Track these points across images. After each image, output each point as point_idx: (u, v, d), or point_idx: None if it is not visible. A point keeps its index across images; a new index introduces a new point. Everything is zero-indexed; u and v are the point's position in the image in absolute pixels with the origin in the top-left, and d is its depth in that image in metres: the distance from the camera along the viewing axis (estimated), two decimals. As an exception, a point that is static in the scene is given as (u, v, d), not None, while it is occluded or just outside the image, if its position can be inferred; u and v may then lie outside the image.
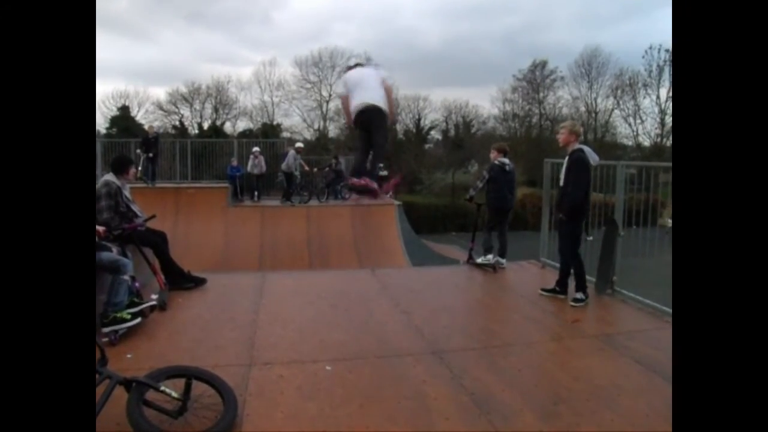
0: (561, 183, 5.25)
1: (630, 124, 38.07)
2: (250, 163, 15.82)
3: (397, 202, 16.29)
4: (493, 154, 6.99)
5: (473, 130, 41.33)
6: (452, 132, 41.69)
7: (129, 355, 3.61)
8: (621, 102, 37.49)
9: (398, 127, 40.21)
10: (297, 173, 15.18)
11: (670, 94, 34.98)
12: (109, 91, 34.20)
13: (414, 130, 40.82)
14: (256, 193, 15.80)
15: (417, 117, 40.79)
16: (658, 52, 34.56)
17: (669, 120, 35.73)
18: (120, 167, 5.04)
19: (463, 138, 39.56)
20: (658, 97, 36.08)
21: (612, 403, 3.10)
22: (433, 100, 40.84)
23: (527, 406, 3.04)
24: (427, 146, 41.43)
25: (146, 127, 16.70)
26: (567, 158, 5.20)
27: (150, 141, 14.69)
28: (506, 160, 6.90)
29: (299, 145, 16.60)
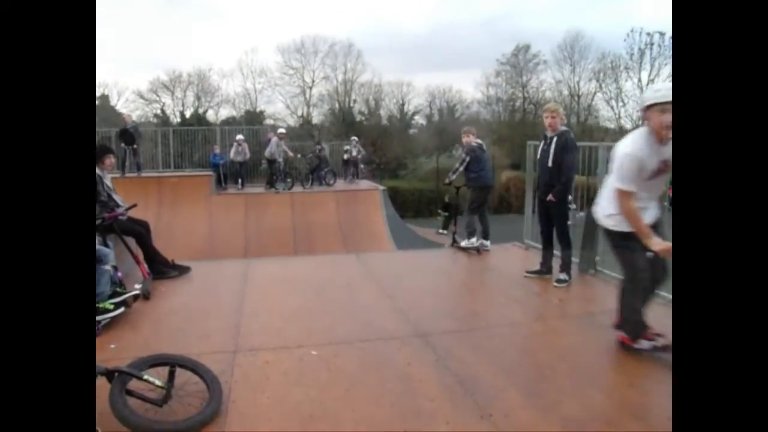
0: (549, 164, 5.19)
1: (612, 107, 38.28)
2: (233, 150, 15.61)
3: (381, 187, 16.28)
4: (467, 138, 7.02)
5: (457, 114, 41.30)
6: (436, 117, 41.61)
7: (112, 346, 3.57)
8: (603, 85, 37.66)
9: (382, 112, 40.06)
10: (280, 160, 15.04)
11: (651, 77, 35.24)
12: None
13: (398, 116, 40.67)
14: (240, 180, 15.63)
15: (401, 102, 40.64)
16: (639, 35, 34.64)
17: (650, 103, 35.89)
18: (98, 156, 4.95)
19: (447, 122, 39.53)
20: (639, 80, 36.26)
21: (594, 379, 3.16)
22: (417, 86, 40.76)
23: (511, 386, 3.07)
24: (411, 131, 41.33)
25: (124, 116, 15.90)
26: (555, 139, 5.13)
27: (128, 132, 13.85)
28: (480, 141, 7.04)
29: (281, 131, 16.40)
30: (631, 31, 34.87)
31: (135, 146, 13.81)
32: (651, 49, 34.94)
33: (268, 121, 33.84)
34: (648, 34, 34.44)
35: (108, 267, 4.18)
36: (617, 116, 38.07)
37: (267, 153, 14.90)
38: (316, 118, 39.05)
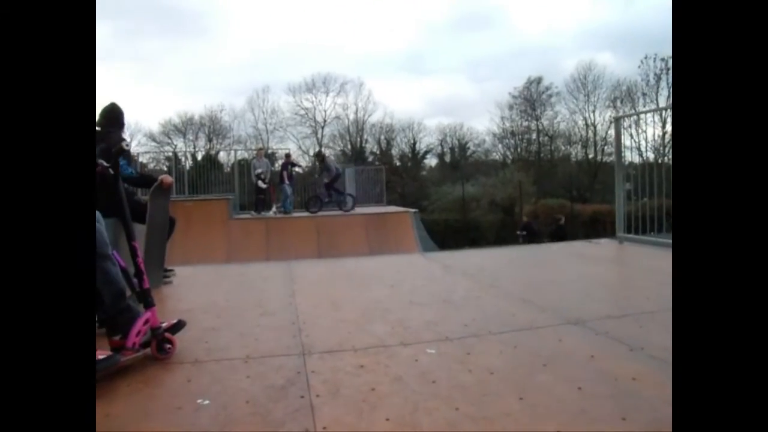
0: None
1: (631, 135, 37.25)
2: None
3: (413, 210, 15.01)
4: None
5: (469, 152, 40.42)
6: (448, 156, 40.72)
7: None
8: (621, 112, 36.77)
9: (393, 151, 39.31)
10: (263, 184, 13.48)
11: (670, 101, 34.41)
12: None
13: (410, 155, 39.86)
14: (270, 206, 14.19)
15: (412, 141, 39.89)
16: (654, 61, 34.01)
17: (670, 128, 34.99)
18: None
19: (459, 160, 38.60)
20: (657, 106, 35.41)
21: None
22: (428, 125, 40.12)
23: None
24: (423, 173, 40.36)
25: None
26: None
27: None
28: None
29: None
30: (645, 57, 34.30)
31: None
32: (667, 74, 34.21)
33: (280, 161, 32.85)
34: (662, 59, 33.86)
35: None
36: (637, 144, 36.91)
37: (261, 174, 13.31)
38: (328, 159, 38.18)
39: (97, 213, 2.49)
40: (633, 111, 33.74)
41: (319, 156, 15.18)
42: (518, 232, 19.22)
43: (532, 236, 18.22)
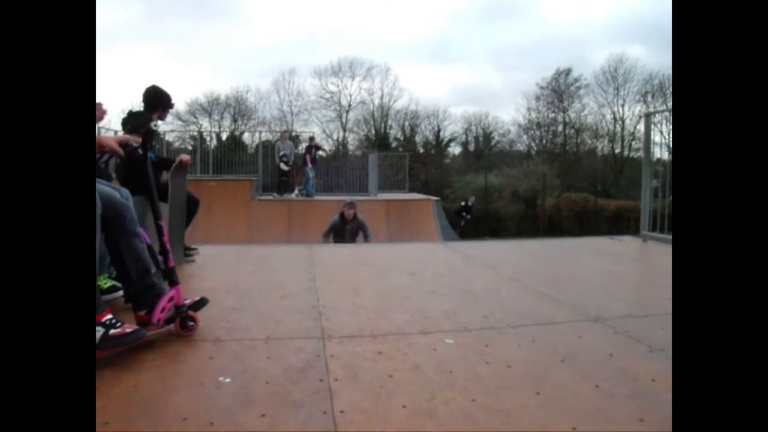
0: None
1: (661, 132, 36.27)
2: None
3: (435, 198, 14.99)
4: None
5: (493, 142, 39.95)
6: (472, 145, 40.31)
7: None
8: (652, 107, 35.81)
9: (417, 138, 39.07)
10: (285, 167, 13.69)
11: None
12: (125, 104, 33.23)
13: (434, 142, 39.59)
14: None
15: (437, 129, 39.57)
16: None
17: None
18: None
19: (483, 150, 38.22)
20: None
21: None
22: (453, 113, 39.69)
23: None
24: (446, 161, 40.06)
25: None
26: None
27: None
28: None
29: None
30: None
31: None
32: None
33: (304, 144, 32.92)
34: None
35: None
36: (667, 140, 35.80)
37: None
38: (352, 143, 38.22)
39: (127, 191, 2.56)
40: (664, 107, 32.89)
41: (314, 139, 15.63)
42: (463, 213, 18.77)
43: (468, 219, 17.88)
